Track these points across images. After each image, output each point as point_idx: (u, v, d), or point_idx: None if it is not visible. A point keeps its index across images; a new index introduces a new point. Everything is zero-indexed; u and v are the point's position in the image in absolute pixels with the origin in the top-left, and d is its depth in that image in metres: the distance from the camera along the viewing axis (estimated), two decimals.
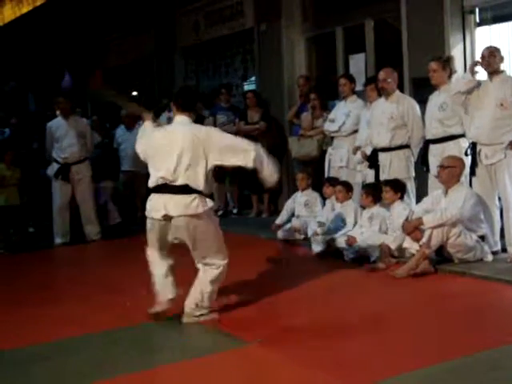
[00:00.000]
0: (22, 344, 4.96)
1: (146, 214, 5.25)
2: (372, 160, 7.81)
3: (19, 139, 11.19)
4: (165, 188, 5.06)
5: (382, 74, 7.70)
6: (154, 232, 5.22)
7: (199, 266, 5.25)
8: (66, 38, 15.87)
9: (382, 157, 7.68)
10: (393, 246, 6.82)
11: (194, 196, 5.02)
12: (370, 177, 7.81)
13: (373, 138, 7.77)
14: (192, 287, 5.24)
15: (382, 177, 7.63)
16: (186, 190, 5.01)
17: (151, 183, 5.18)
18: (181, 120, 5.21)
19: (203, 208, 5.05)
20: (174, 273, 5.37)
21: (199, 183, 5.04)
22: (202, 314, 5.22)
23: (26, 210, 9.80)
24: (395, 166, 7.60)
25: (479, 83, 6.61)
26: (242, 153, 5.12)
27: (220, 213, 10.84)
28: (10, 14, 16.83)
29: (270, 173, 5.26)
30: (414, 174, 7.66)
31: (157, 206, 5.11)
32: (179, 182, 5.01)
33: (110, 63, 15.83)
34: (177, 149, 5.01)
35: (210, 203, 5.15)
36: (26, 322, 5.56)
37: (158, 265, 5.33)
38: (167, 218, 5.05)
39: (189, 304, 5.20)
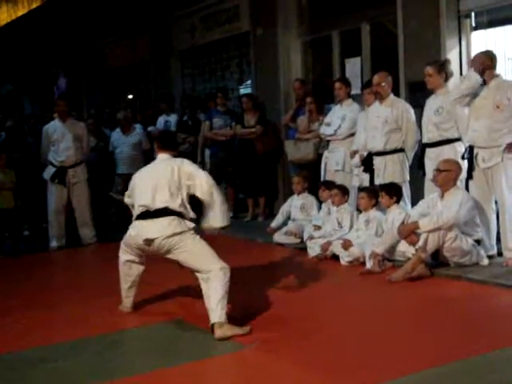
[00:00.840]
0: (18, 348, 4.95)
1: (128, 239, 5.51)
2: (367, 164, 7.82)
3: (14, 142, 11.16)
4: (146, 215, 5.32)
5: (376, 78, 7.72)
6: (132, 248, 5.54)
7: (200, 281, 5.23)
8: (61, 41, 15.86)
9: (377, 161, 7.69)
10: (379, 251, 6.81)
11: (172, 217, 5.25)
12: (366, 181, 7.82)
13: (368, 141, 7.79)
14: (206, 302, 5.14)
15: (377, 181, 7.65)
16: (164, 212, 5.26)
17: (134, 214, 5.45)
18: (162, 157, 5.59)
19: (181, 228, 5.23)
20: (138, 281, 5.73)
21: (177, 206, 5.28)
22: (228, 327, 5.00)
23: (21, 213, 9.76)
24: (390, 170, 7.62)
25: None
26: (199, 181, 5.35)
27: None
28: (5, 16, 16.83)
29: (221, 216, 5.46)
30: (408, 178, 7.67)
31: (139, 231, 5.34)
32: (158, 207, 5.27)
33: (106, 66, 15.82)
34: (156, 179, 5.37)
35: (190, 224, 5.32)
36: (22, 326, 5.55)
37: (124, 277, 5.75)
38: (148, 243, 5.28)
39: (211, 318, 5.01)
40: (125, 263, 5.70)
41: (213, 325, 4.93)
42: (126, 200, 5.80)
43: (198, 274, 5.24)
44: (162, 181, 5.33)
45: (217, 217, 5.45)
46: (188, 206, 5.37)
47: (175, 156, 5.67)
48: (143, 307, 5.87)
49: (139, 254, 5.57)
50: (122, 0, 13.30)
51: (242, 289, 6.38)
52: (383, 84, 7.64)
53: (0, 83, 17.36)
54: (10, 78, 17.79)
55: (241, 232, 9.46)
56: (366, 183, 7.79)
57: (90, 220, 9.60)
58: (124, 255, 5.68)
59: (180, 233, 5.22)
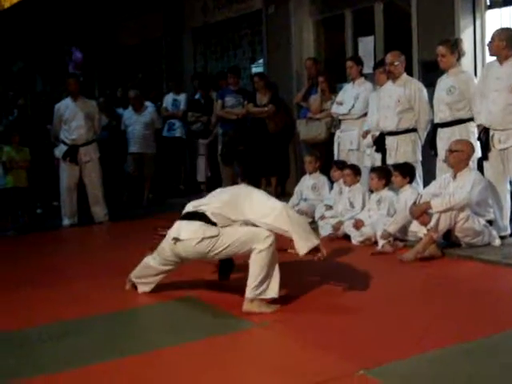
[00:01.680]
0: (29, 324, 4.98)
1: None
2: (379, 144, 7.79)
3: (26, 120, 11.20)
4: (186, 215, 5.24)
5: (389, 57, 7.67)
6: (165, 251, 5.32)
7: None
8: (73, 18, 15.82)
9: (389, 140, 7.67)
10: (390, 230, 6.80)
11: (201, 223, 5.07)
12: (378, 161, 7.80)
13: (380, 121, 7.76)
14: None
15: (389, 161, 7.63)
16: (198, 217, 5.12)
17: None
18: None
19: (210, 232, 5.04)
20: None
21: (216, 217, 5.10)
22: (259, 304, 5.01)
23: (34, 191, 9.82)
24: (402, 150, 7.60)
25: None
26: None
27: None
28: None
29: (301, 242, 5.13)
30: (420, 158, 7.64)
31: (173, 230, 5.21)
32: (197, 210, 5.18)
33: (118, 44, 15.79)
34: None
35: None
36: (34, 303, 5.58)
37: (154, 265, 5.47)
38: (176, 241, 5.13)
39: (246, 292, 5.01)
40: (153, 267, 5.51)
41: (246, 298, 4.94)
42: None
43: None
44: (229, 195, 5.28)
45: (297, 243, 5.11)
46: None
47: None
48: (155, 285, 5.90)
49: (172, 262, 5.37)
50: None
51: None
52: (396, 63, 7.59)
53: (11, 61, 17.35)
54: (21, 55, 17.78)
55: None
56: (378, 163, 7.78)
57: (101, 198, 9.64)
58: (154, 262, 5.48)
59: (212, 236, 5.03)
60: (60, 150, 9.48)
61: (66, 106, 9.43)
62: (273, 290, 4.98)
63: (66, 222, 9.41)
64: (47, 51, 17.48)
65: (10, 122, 11.45)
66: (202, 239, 5.03)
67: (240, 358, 4.14)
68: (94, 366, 4.08)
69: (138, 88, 12.14)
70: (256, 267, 4.97)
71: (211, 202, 5.22)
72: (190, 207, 5.30)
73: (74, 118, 9.33)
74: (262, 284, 4.96)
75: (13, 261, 7.48)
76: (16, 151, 9.33)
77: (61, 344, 4.53)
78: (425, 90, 7.60)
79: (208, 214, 5.09)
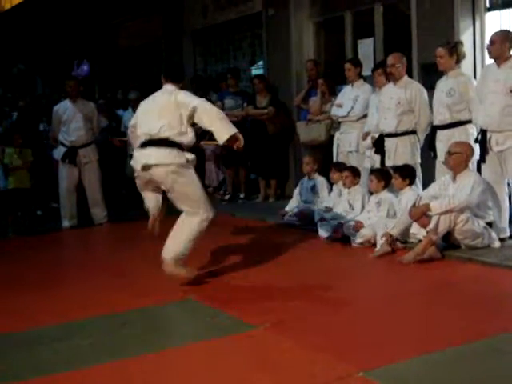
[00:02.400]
0: (30, 326, 4.99)
1: (132, 164, 5.82)
2: (378, 145, 7.80)
3: (27, 122, 11.20)
4: (148, 143, 5.61)
5: (390, 59, 7.67)
6: (139, 179, 5.78)
7: (182, 216, 5.66)
8: (74, 21, 15.84)
9: (388, 142, 7.67)
10: (393, 233, 6.80)
11: (173, 148, 5.54)
12: (378, 162, 7.81)
13: (380, 123, 7.77)
14: (169, 237, 5.61)
15: (388, 162, 7.64)
16: (166, 143, 5.54)
17: (138, 142, 5.74)
18: (166, 88, 5.83)
19: (180, 159, 5.53)
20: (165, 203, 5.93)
21: (179, 137, 5.56)
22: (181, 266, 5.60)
23: (34, 192, 9.82)
24: (401, 152, 7.59)
25: None
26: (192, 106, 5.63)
27: (227, 197, 10.87)
28: None
29: (223, 130, 5.65)
30: (419, 161, 7.64)
31: (139, 158, 5.64)
32: (160, 136, 5.54)
33: (118, 46, 15.80)
34: (159, 109, 5.65)
35: (189, 156, 5.63)
36: (34, 305, 5.59)
37: (150, 196, 5.91)
38: (146, 168, 5.55)
39: (167, 253, 5.56)
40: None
41: (167, 259, 5.57)
42: (129, 131, 6.16)
43: (180, 207, 5.65)
44: (163, 110, 5.60)
45: (220, 131, 5.64)
46: (189, 135, 5.66)
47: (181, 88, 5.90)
48: (154, 287, 5.91)
49: (144, 187, 5.83)
50: None
51: (253, 270, 6.43)
52: (398, 65, 7.58)
53: (12, 63, 17.36)
54: (22, 57, 17.80)
55: (252, 213, 9.50)
56: (378, 165, 7.78)
57: (101, 200, 9.63)
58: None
59: (181, 164, 5.51)
60: (59, 152, 9.48)
61: (65, 108, 9.42)
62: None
63: (65, 223, 9.40)
64: (48, 54, 17.51)
65: (11, 123, 11.45)
66: (174, 165, 5.51)
67: (239, 359, 4.14)
68: (93, 367, 4.09)
69: (138, 90, 12.14)
70: (189, 232, 5.50)
71: (160, 125, 5.56)
72: (145, 136, 5.66)
73: (72, 120, 9.32)
74: (187, 250, 5.51)
75: (13, 263, 7.48)
76: (18, 153, 9.33)
77: (61, 345, 4.54)
78: (425, 93, 7.60)
79: (171, 137, 5.55)
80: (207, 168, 11.29)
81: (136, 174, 5.76)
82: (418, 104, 7.54)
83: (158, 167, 5.51)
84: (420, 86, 7.69)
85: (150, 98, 5.94)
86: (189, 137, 5.66)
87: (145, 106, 5.90)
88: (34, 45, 17.81)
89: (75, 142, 9.35)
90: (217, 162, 11.24)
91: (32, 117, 11.55)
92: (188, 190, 5.62)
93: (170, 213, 5.94)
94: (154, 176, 5.58)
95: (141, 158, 5.60)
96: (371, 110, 8.11)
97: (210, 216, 5.64)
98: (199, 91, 11.51)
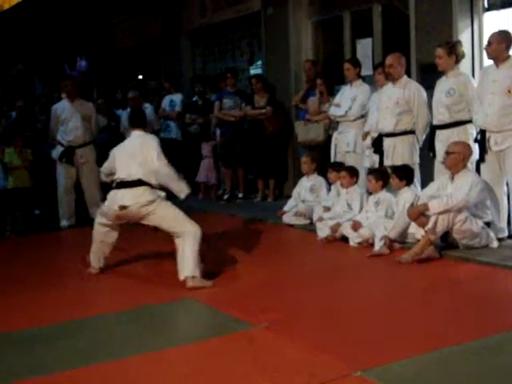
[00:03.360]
0: (29, 326, 4.99)
1: (105, 208, 6.28)
2: (377, 145, 7.81)
3: (25, 122, 11.20)
4: (122, 184, 6.06)
5: (388, 59, 7.67)
6: (109, 216, 6.24)
7: (176, 241, 5.94)
8: (72, 20, 15.84)
9: (387, 142, 7.68)
10: (392, 236, 6.81)
11: (145, 187, 5.99)
12: (377, 162, 7.81)
13: (379, 122, 7.77)
14: (178, 260, 5.85)
15: (386, 162, 7.64)
16: (139, 183, 5.99)
17: (114, 184, 6.23)
18: (137, 133, 6.39)
19: (153, 197, 5.98)
20: (111, 248, 6.45)
21: (149, 178, 6.02)
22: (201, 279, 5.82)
23: (33, 192, 9.82)
24: (399, 152, 7.60)
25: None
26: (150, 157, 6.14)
27: (226, 197, 10.87)
28: None
29: (179, 189, 6.19)
30: (418, 161, 7.64)
31: (115, 199, 6.06)
32: (133, 178, 6.01)
33: (116, 46, 15.80)
34: (131, 153, 6.15)
35: (161, 193, 6.12)
36: (33, 305, 5.59)
37: (98, 238, 6.43)
38: (122, 208, 5.99)
39: (183, 273, 5.77)
40: (101, 229, 6.40)
41: (186, 277, 5.71)
42: (103, 169, 6.61)
43: (175, 237, 5.93)
44: (136, 155, 6.09)
45: (177, 191, 6.18)
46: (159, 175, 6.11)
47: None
48: (154, 286, 5.92)
49: (115, 222, 6.28)
50: None
51: (252, 269, 6.43)
52: (396, 65, 7.59)
53: (11, 63, 17.36)
54: (21, 57, 17.79)
55: (250, 213, 9.50)
56: (377, 164, 7.79)
57: (99, 200, 9.61)
58: (101, 221, 6.38)
59: (153, 200, 5.94)
60: (57, 152, 9.47)
61: (63, 107, 9.41)
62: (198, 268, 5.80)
63: (63, 223, 9.40)
64: (46, 54, 17.50)
65: (10, 123, 11.45)
66: (147, 202, 5.93)
67: (237, 359, 4.14)
68: (92, 366, 4.10)
69: (137, 89, 12.15)
70: (190, 247, 5.77)
71: (132, 168, 6.05)
72: (122, 177, 6.12)
73: (70, 119, 9.31)
74: (196, 262, 5.77)
75: (11, 262, 7.49)
76: (18, 152, 9.34)
77: (60, 345, 4.55)
78: (424, 93, 7.60)
79: (143, 178, 6.00)
80: (203, 166, 11.27)
81: (107, 210, 6.23)
82: (416, 104, 7.54)
83: (134, 206, 5.98)
84: (418, 86, 7.69)
85: (122, 144, 6.48)
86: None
87: (118, 151, 6.37)
88: (32, 45, 17.81)
89: (73, 141, 9.34)
90: (215, 159, 11.23)
91: (31, 117, 11.54)
92: (167, 212, 6.03)
93: None
94: (130, 212, 6.04)
95: (117, 199, 6.05)
96: (371, 109, 8.11)
97: (198, 229, 5.93)
98: (198, 90, 11.53)
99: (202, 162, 11.23)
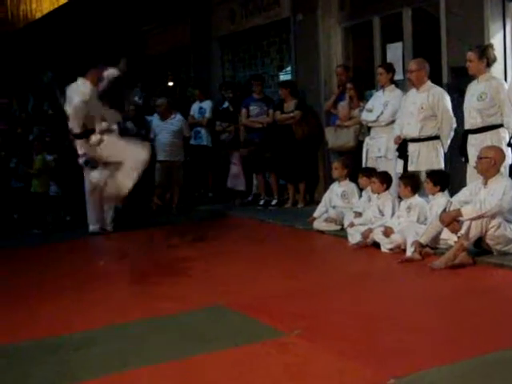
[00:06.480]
0: (59, 332, 5.01)
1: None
2: (401, 150, 7.77)
3: (56, 129, 11.30)
4: None
5: (410, 65, 7.68)
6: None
7: None
8: (103, 28, 15.96)
9: (411, 147, 7.65)
10: (423, 241, 6.74)
11: None
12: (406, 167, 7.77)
13: (403, 128, 7.74)
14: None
15: (410, 167, 7.63)
16: None
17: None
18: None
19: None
20: None
21: None
22: None
23: (63, 198, 9.98)
24: (423, 157, 7.59)
25: None
26: None
27: (262, 203, 10.83)
28: (48, 5, 17.02)
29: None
30: (442, 166, 7.59)
31: None
32: None
33: (147, 53, 15.88)
34: None
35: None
36: (62, 311, 5.60)
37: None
38: None
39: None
40: None
41: None
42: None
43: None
44: None
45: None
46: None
47: None
48: (182, 294, 5.91)
49: None
50: None
51: (283, 276, 6.41)
52: (418, 71, 7.57)
53: (42, 71, 17.53)
54: (51, 65, 17.96)
55: (281, 219, 9.48)
56: (401, 170, 7.76)
57: (113, 207, 9.60)
58: None
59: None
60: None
61: None
62: None
63: (92, 228, 9.43)
64: (77, 62, 17.62)
65: (41, 131, 11.59)
66: None
67: (269, 366, 4.11)
68: (120, 373, 4.10)
69: (167, 96, 12.20)
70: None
71: None
72: None
73: None
74: None
75: (40, 267, 7.52)
76: (43, 158, 9.59)
77: (88, 352, 4.55)
78: (448, 98, 7.56)
79: None
80: (231, 172, 11.28)
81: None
82: (440, 109, 7.52)
83: None
84: (442, 91, 7.64)
85: None
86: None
87: None
88: (63, 53, 17.98)
89: None
90: (243, 166, 11.22)
91: (61, 124, 11.63)
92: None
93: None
94: None
95: None
96: (400, 113, 8.05)
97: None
98: (229, 96, 11.54)
99: (231, 168, 11.25)
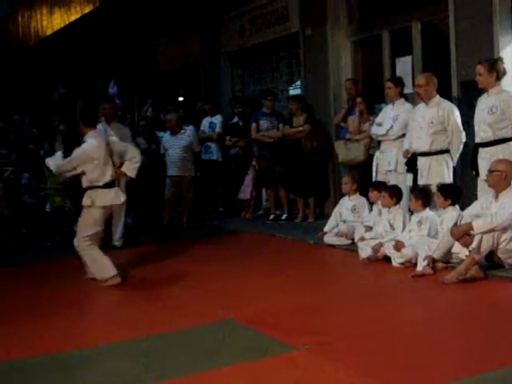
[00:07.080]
0: (69, 348, 5.00)
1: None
2: (410, 164, 7.76)
3: (68, 145, 11.33)
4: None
5: (419, 80, 7.67)
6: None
7: None
8: (113, 44, 16.07)
9: (421, 161, 7.65)
10: (436, 255, 6.71)
11: None
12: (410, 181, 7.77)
13: (412, 142, 7.73)
14: None
15: (420, 181, 7.62)
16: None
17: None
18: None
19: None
20: None
21: None
22: None
23: (76, 212, 10.04)
24: (433, 171, 7.58)
25: None
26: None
27: (272, 217, 10.83)
28: (59, 21, 17.16)
29: None
30: (452, 180, 7.58)
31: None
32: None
33: (157, 69, 15.97)
34: None
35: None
36: (72, 327, 5.59)
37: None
38: None
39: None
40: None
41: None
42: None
43: None
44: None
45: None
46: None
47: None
48: (193, 308, 5.90)
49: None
50: (171, 2, 13.42)
51: (294, 290, 6.39)
52: (426, 86, 7.57)
53: (54, 86, 17.65)
54: (63, 81, 18.09)
55: (291, 233, 9.46)
56: (410, 183, 7.75)
57: (122, 223, 9.57)
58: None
59: None
60: None
61: (100, 131, 9.46)
62: None
63: (114, 242, 9.40)
64: (89, 77, 17.75)
65: (51, 147, 11.64)
66: None
67: (280, 382, 4.10)
68: None
69: (178, 110, 12.24)
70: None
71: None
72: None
73: None
74: None
75: (50, 283, 7.53)
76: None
77: (100, 368, 4.54)
78: (457, 112, 7.56)
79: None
80: (246, 182, 11.29)
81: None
82: (450, 124, 7.52)
83: None
84: (452, 105, 7.65)
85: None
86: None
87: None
88: (74, 69, 18.10)
89: None
90: (254, 177, 11.23)
91: (73, 140, 11.67)
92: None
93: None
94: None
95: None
96: (410, 127, 8.05)
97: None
98: (239, 111, 11.56)
99: (246, 178, 11.28)
